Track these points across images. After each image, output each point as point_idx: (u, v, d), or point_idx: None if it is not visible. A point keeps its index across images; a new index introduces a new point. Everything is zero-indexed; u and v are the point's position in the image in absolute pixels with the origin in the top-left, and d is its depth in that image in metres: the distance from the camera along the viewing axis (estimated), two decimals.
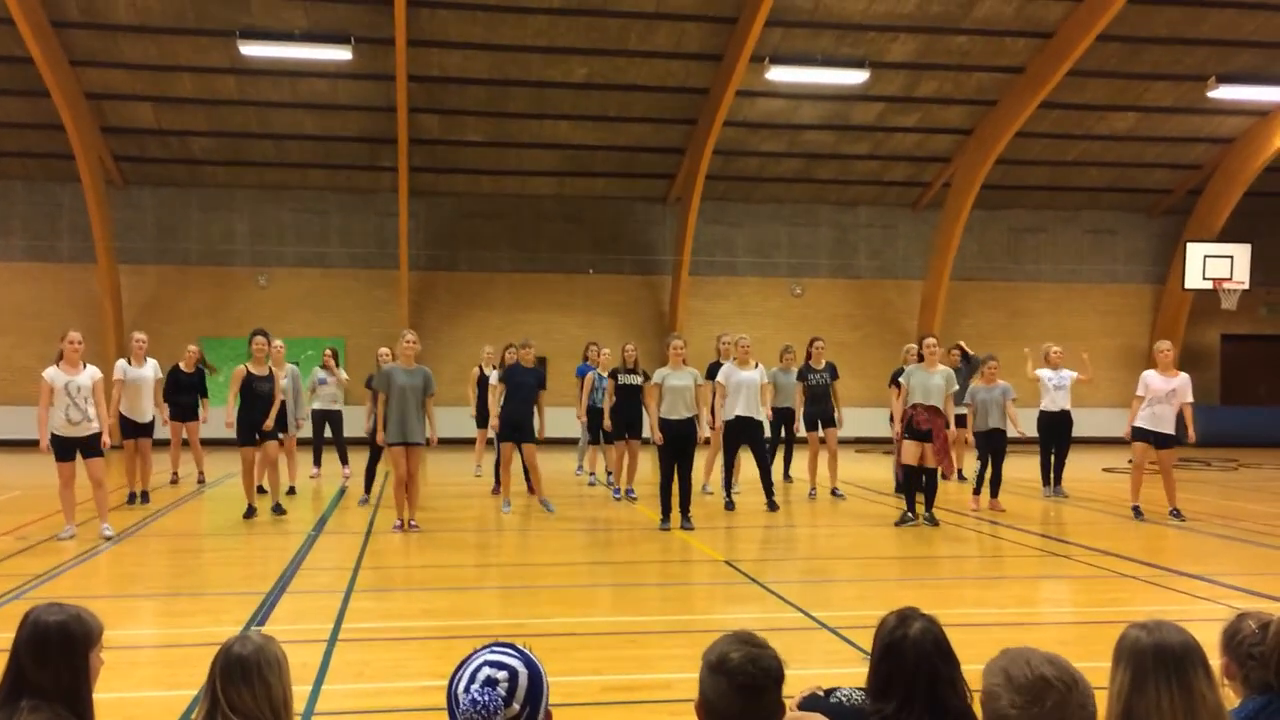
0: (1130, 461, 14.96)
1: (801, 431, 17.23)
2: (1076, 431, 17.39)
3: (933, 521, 13.98)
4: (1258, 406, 30.91)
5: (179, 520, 14.85)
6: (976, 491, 15.72)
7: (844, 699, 3.98)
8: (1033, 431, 16.87)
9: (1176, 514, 14.41)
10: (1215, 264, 27.85)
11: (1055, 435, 17.09)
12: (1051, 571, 11.35)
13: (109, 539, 12.31)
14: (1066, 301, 31.04)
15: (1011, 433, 15.79)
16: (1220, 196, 29.32)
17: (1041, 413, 17.04)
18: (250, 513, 14.30)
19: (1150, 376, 14.63)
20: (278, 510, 14.52)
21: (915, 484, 14.23)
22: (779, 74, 24.49)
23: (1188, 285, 28.12)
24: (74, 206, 26.57)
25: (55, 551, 11.65)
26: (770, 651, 3.23)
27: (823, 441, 17.06)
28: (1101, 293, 31.30)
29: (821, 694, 4.10)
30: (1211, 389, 31.73)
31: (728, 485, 15.65)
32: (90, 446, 12.46)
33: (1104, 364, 29.26)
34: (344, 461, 18.58)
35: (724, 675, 3.15)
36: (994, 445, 15.67)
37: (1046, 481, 17.20)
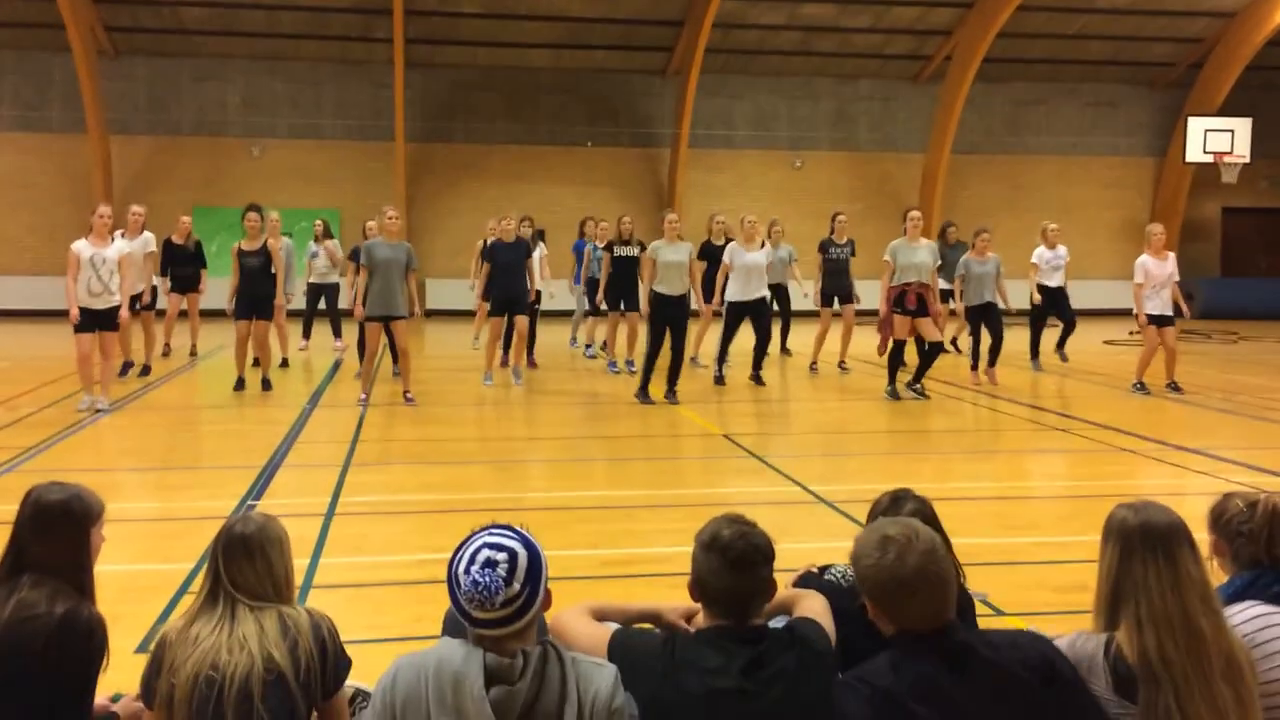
0: (1132, 334, 14.90)
1: (809, 302, 17.22)
2: (1078, 304, 17.39)
3: (921, 394, 13.99)
4: (1258, 278, 30.91)
5: (172, 393, 14.84)
6: (975, 366, 15.74)
7: (838, 576, 4.03)
8: (1022, 305, 16.83)
9: (1174, 387, 14.41)
10: (1216, 138, 27.67)
11: (1053, 308, 17.06)
12: (1050, 445, 11.40)
13: (100, 411, 12.26)
14: (1067, 174, 30.76)
15: (1001, 307, 15.75)
16: (1221, 70, 29.03)
17: (1040, 286, 16.98)
18: (239, 384, 14.32)
19: (1148, 263, 14.40)
20: (266, 386, 14.50)
21: (899, 359, 14.07)
22: None
23: (1189, 158, 27.96)
24: (65, 76, 26.11)
25: (47, 424, 11.61)
26: (761, 530, 3.28)
27: (838, 316, 17.02)
28: (1102, 165, 31.02)
29: (816, 571, 4.16)
30: (1212, 262, 31.74)
31: (721, 360, 15.49)
32: (107, 320, 12.42)
33: (1104, 236, 29.30)
34: (337, 334, 18.52)
35: (716, 552, 3.22)
36: (989, 318, 15.61)
37: (1035, 355, 17.21)
